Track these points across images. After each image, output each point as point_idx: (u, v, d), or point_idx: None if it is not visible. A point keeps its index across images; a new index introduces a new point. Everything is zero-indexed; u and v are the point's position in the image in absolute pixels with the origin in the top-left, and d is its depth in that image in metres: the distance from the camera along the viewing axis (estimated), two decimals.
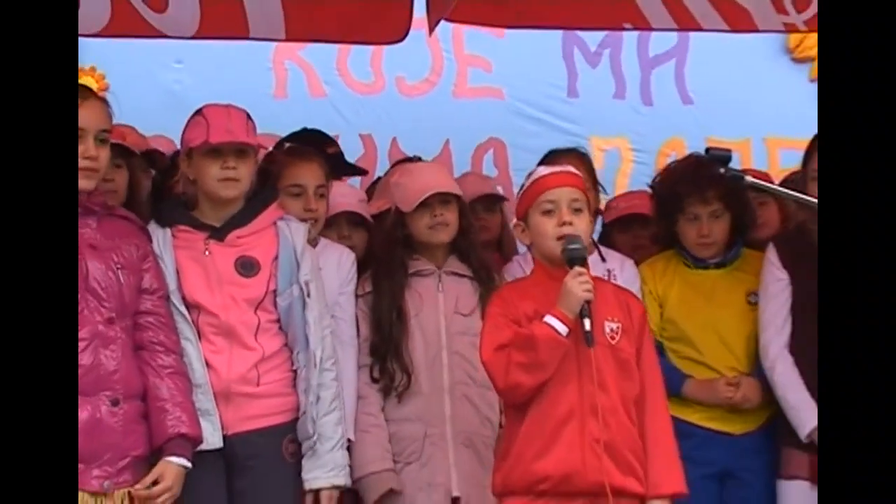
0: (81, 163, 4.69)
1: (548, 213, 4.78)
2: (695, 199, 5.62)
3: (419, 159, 6.32)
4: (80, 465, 4.51)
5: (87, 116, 4.75)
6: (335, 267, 5.33)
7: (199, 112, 5.09)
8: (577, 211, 4.77)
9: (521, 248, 5.71)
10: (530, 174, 4.98)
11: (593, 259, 5.31)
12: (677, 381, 5.53)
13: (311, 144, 5.75)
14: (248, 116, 5.10)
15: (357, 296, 5.35)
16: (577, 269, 4.64)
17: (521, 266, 5.37)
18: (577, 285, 4.61)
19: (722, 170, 4.95)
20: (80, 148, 4.72)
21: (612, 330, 4.81)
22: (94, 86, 6.49)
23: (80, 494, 4.59)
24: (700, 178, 5.55)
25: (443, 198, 5.29)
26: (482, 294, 5.29)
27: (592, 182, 5.76)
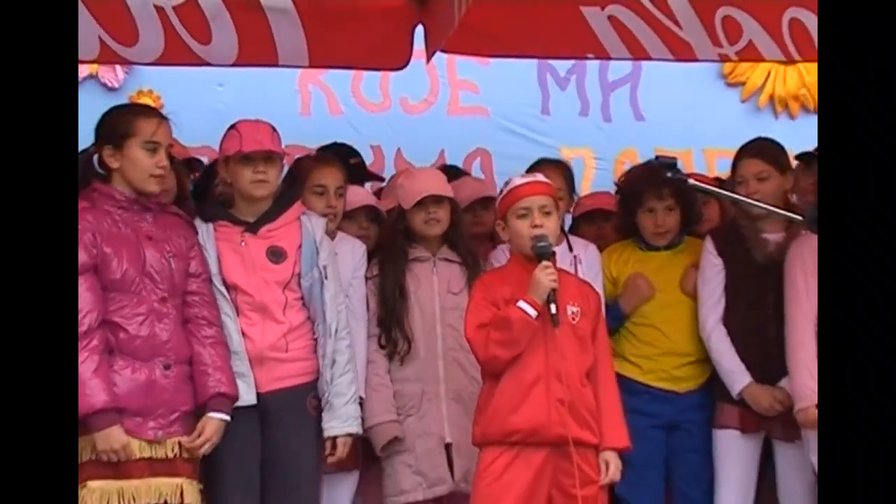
0: (155, 171, 4.89)
1: (522, 216, 4.94)
2: (652, 196, 5.74)
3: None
4: (138, 419, 4.73)
5: (162, 134, 4.92)
6: (349, 255, 5.44)
7: (233, 126, 5.21)
8: (547, 214, 4.94)
9: None
10: (507, 182, 5.13)
11: (562, 247, 5.54)
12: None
13: (340, 154, 5.89)
14: (274, 129, 5.21)
15: (367, 278, 5.46)
16: (545, 263, 4.83)
17: (504, 253, 5.44)
18: (545, 276, 4.80)
19: (669, 174, 5.02)
20: (156, 158, 4.89)
21: (573, 313, 4.97)
22: (151, 104, 6.54)
23: (138, 443, 4.73)
24: (656, 179, 5.59)
25: (436, 199, 5.42)
26: (469, 277, 5.41)
27: (569, 186, 6.03)
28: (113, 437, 4.67)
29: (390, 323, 5.42)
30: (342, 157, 5.89)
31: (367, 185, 6.27)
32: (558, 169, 5.90)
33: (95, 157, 4.94)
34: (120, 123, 4.93)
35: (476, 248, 5.65)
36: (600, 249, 5.86)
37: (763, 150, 5.76)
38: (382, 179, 6.76)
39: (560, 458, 4.82)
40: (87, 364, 4.64)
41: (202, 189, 5.81)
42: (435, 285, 5.49)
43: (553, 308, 4.80)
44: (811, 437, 5.36)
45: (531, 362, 4.86)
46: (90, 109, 5.05)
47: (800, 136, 6.46)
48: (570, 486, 4.81)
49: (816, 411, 4.98)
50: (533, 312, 4.79)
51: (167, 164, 4.94)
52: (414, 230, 5.46)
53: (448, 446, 5.35)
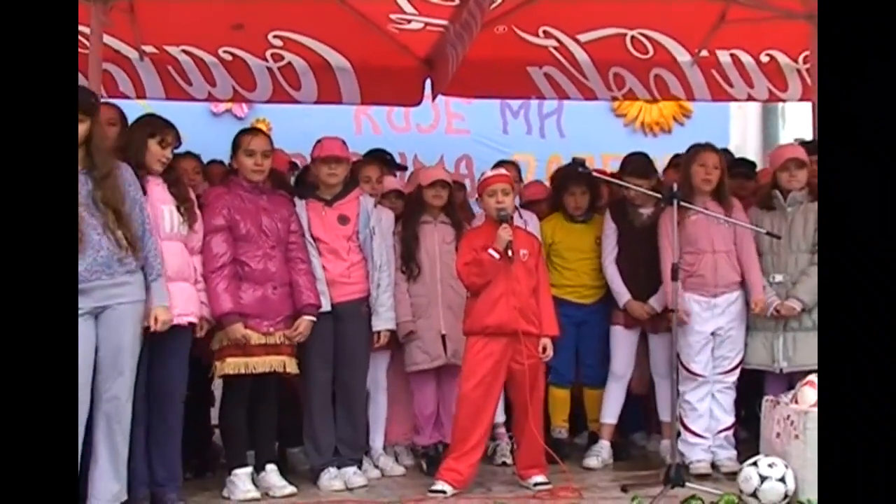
0: (254, 168, 4.87)
1: (491, 195, 5.01)
2: (573, 184, 5.74)
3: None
4: (257, 319, 4.80)
5: (256, 144, 4.91)
6: (386, 220, 5.39)
7: (318, 140, 5.28)
8: (506, 194, 5.00)
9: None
10: (483, 174, 5.23)
11: (515, 215, 5.43)
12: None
13: (379, 157, 5.92)
14: (343, 142, 5.28)
15: (395, 234, 5.43)
16: (504, 225, 4.94)
17: (480, 218, 5.45)
18: (504, 233, 4.92)
19: (580, 169, 5.33)
20: (253, 160, 4.86)
21: (523, 254, 5.01)
22: (264, 129, 6.55)
23: (257, 335, 4.78)
24: (574, 173, 5.60)
25: (440, 182, 5.48)
26: (456, 234, 5.45)
27: (518, 175, 6.13)
28: (236, 330, 4.77)
29: (408, 259, 5.44)
30: (381, 159, 5.95)
31: (397, 175, 6.26)
32: (513, 166, 6.11)
33: (231, 162, 5.10)
34: (234, 140, 5.04)
35: (462, 216, 5.69)
36: (539, 218, 5.86)
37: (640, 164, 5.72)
38: (406, 168, 6.78)
39: (516, 343, 4.93)
40: (221, 285, 4.76)
41: (299, 179, 5.84)
42: (436, 237, 5.48)
43: (510, 252, 4.92)
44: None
45: (497, 285, 4.95)
46: (228, 133, 5.18)
47: (660, 148, 6.61)
48: (521, 359, 4.94)
49: (637, 305, 5.42)
50: (496, 256, 4.92)
51: (263, 163, 4.92)
52: (425, 202, 5.49)
53: (443, 336, 5.41)
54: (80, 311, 4.01)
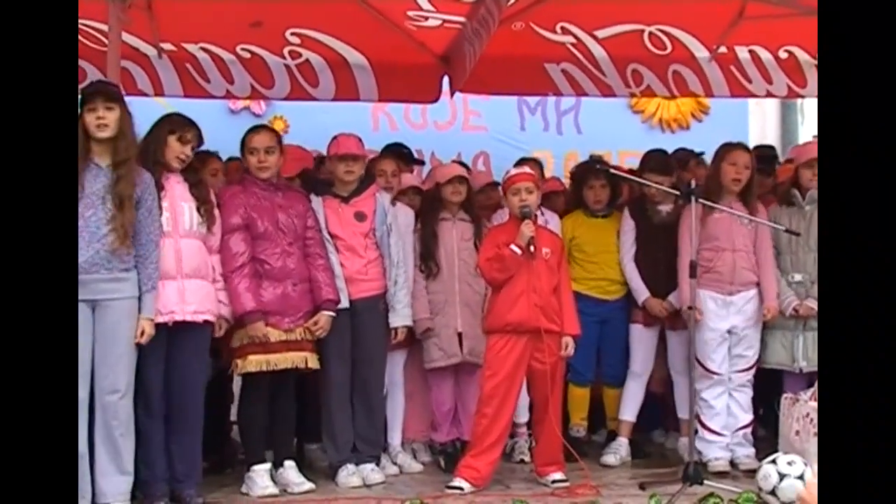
0: (258, 164, 4.86)
1: (515, 193, 5.02)
2: (593, 179, 5.73)
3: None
4: (278, 316, 4.81)
5: (258, 140, 4.90)
6: (404, 216, 5.44)
7: (335, 137, 5.29)
8: (529, 192, 5.01)
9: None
10: (507, 172, 5.21)
11: (538, 213, 5.46)
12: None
13: (395, 151, 5.95)
14: (360, 139, 5.30)
15: (414, 231, 5.48)
16: (528, 221, 4.95)
17: (501, 216, 5.48)
18: (527, 229, 4.93)
19: (598, 165, 5.48)
20: (256, 157, 4.85)
21: (545, 252, 5.02)
22: (281, 127, 6.76)
23: (277, 332, 4.80)
24: (593, 169, 5.68)
25: (458, 179, 5.51)
26: (475, 230, 5.48)
27: (541, 173, 6.08)
28: (258, 328, 4.80)
29: (427, 256, 5.47)
30: (397, 153, 5.95)
31: (414, 171, 6.19)
32: (536, 164, 6.05)
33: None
34: (241, 139, 5.08)
35: (480, 213, 5.66)
36: (560, 216, 5.83)
37: (661, 160, 5.73)
38: (423, 163, 6.78)
39: (536, 341, 4.94)
40: (242, 284, 4.77)
41: (308, 176, 5.71)
42: (454, 234, 5.50)
43: (532, 249, 4.94)
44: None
45: (519, 281, 4.96)
46: (246, 129, 5.14)
47: (678, 144, 6.46)
48: (542, 357, 4.96)
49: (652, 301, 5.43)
50: (518, 252, 4.93)
51: (266, 160, 4.89)
52: (443, 199, 5.52)
53: (460, 334, 5.43)
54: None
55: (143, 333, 4.31)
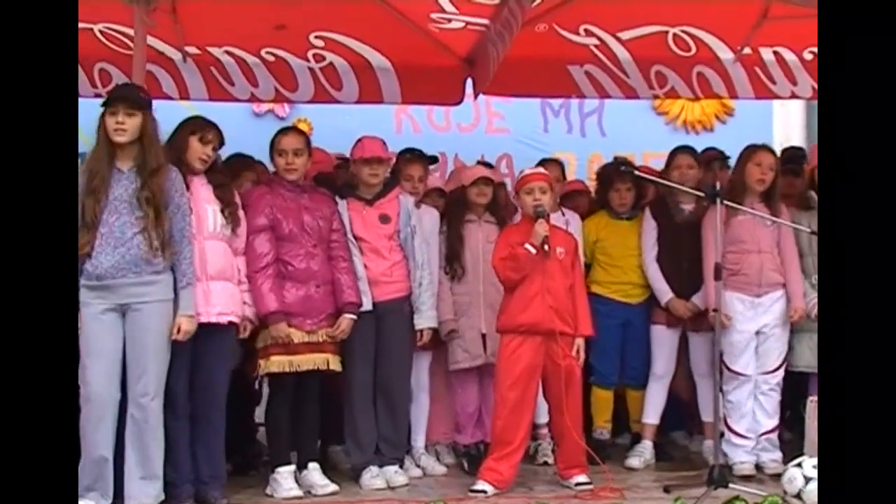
0: (286, 166, 4.89)
1: (529, 193, 5.04)
2: (618, 181, 5.73)
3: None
4: (301, 318, 4.82)
5: (286, 143, 4.94)
6: (429, 218, 5.46)
7: (359, 140, 5.30)
8: (543, 192, 5.03)
9: None
10: (521, 172, 5.25)
11: (558, 213, 5.52)
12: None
13: (418, 154, 5.80)
14: (383, 141, 5.32)
15: (440, 233, 5.48)
16: (542, 220, 4.96)
17: (519, 216, 5.35)
18: (540, 228, 4.94)
19: (622, 168, 5.36)
20: (285, 160, 4.88)
21: (560, 251, 5.03)
22: (306, 128, 6.69)
23: (300, 333, 4.82)
24: (618, 171, 5.63)
25: (483, 180, 5.50)
26: (501, 232, 5.37)
27: (562, 174, 6.07)
28: (280, 329, 4.82)
29: (452, 259, 5.47)
30: (420, 157, 5.82)
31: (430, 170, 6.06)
32: (556, 164, 6.03)
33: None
34: (270, 141, 5.10)
35: (506, 214, 5.65)
36: (581, 217, 5.84)
37: (689, 150, 5.80)
38: (436, 160, 6.31)
39: (550, 342, 4.95)
40: (266, 284, 4.79)
41: (325, 178, 5.67)
42: (479, 236, 5.50)
43: (546, 248, 4.94)
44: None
45: (533, 282, 4.97)
46: (270, 133, 5.17)
47: (703, 146, 6.30)
48: (556, 359, 4.95)
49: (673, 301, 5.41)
50: (533, 251, 4.93)
51: (294, 161, 4.92)
52: (468, 201, 5.51)
53: (484, 335, 5.43)
54: (104, 307, 4.22)
55: (179, 331, 4.32)
